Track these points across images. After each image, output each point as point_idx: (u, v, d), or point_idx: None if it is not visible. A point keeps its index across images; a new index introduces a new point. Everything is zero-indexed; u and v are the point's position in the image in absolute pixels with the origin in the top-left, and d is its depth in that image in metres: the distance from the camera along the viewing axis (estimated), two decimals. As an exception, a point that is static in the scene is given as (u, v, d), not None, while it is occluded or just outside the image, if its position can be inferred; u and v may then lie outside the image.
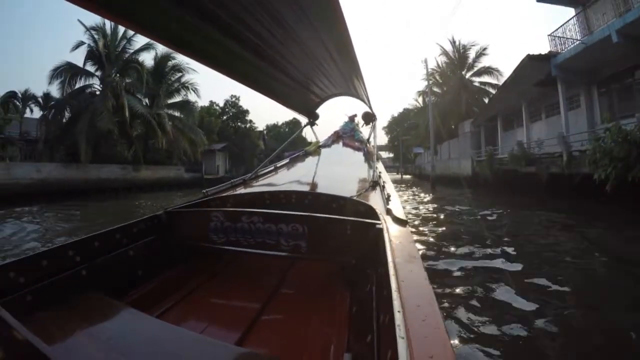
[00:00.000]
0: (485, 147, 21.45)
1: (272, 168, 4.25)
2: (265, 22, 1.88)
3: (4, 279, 1.56)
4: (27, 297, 1.60)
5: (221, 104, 41.05)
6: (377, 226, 1.79)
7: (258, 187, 3.40)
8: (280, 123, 53.14)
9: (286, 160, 4.56)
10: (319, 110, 4.64)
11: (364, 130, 5.32)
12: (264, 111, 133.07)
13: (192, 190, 25.66)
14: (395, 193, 2.76)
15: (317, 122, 4.75)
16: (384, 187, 2.92)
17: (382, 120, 65.93)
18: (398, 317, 0.92)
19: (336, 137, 5.29)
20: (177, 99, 29.36)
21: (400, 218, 1.99)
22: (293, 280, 2.32)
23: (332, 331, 1.65)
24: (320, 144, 5.05)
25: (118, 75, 24.11)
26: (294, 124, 50.90)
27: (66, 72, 22.49)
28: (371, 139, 4.84)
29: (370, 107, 4.64)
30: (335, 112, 6.14)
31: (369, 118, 5.01)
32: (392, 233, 1.72)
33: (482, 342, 2.92)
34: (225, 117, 39.53)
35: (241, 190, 3.23)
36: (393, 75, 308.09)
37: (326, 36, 2.18)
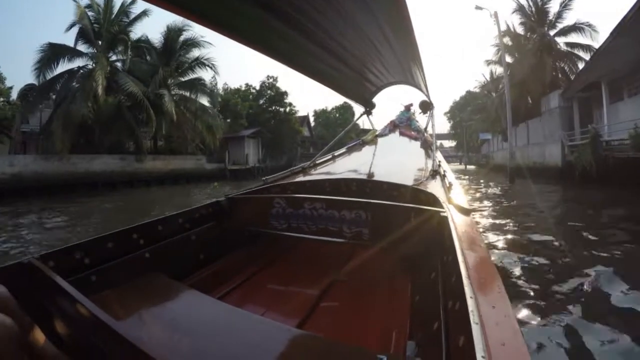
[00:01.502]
0: (586, 127, 14.32)
1: (330, 157, 4.24)
2: (319, 7, 1.79)
3: (70, 260, 1.63)
4: (92, 277, 1.68)
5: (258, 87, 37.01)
6: (442, 214, 1.79)
7: (317, 175, 3.43)
8: (329, 108, 47.96)
9: (344, 149, 4.56)
10: (375, 100, 4.36)
11: (421, 119, 5.26)
12: (307, 95, 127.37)
13: (211, 183, 22.21)
14: (457, 182, 2.74)
15: (373, 111, 4.49)
16: (444, 176, 2.87)
17: (444, 106, 58.43)
18: (471, 303, 0.91)
19: (393, 127, 5.18)
20: (191, 77, 25.20)
21: (464, 207, 1.96)
22: (352, 267, 2.24)
23: (392, 318, 1.64)
24: (377, 133, 4.98)
25: (113, 52, 20.62)
26: (344, 109, 45.46)
27: (48, 54, 19.14)
28: (429, 128, 4.75)
29: (427, 96, 4.26)
30: (389, 101, 6.02)
31: (426, 107, 4.66)
32: (457, 221, 1.69)
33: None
34: (262, 101, 35.17)
35: (300, 178, 3.27)
36: (453, 55, 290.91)
37: (384, 19, 2.02)
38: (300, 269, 2.31)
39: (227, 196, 2.60)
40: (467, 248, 1.33)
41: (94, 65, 19.56)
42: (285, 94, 35.30)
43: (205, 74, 26.68)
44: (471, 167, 42.84)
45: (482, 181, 19.96)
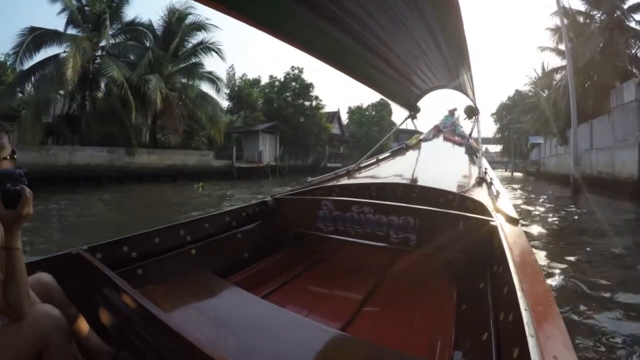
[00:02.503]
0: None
1: (374, 160, 4.24)
2: (368, 7, 1.73)
3: (118, 253, 1.69)
4: (138, 271, 1.73)
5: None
6: (491, 223, 1.76)
7: (362, 178, 3.45)
8: (365, 105, 43.62)
9: (388, 153, 4.58)
10: (419, 104, 4.36)
11: (465, 125, 5.08)
12: (339, 91, 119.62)
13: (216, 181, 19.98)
14: (505, 190, 2.64)
15: (417, 115, 4.51)
16: (491, 183, 2.79)
17: (490, 107, 52.42)
18: (525, 316, 0.89)
19: (437, 131, 5.07)
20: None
21: (512, 216, 1.88)
22: (397, 272, 2.26)
23: (437, 327, 1.61)
24: (421, 137, 4.93)
25: (100, 35, 18.37)
26: (381, 107, 41.20)
27: (28, 38, 17.06)
28: (474, 134, 4.65)
29: (473, 101, 4.27)
30: (431, 105, 5.74)
31: (472, 112, 4.60)
32: (506, 231, 1.66)
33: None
34: (287, 94, 31.85)
35: (345, 181, 3.31)
36: (500, 50, 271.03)
37: (434, 20, 1.93)
38: (344, 272, 2.31)
39: (273, 196, 2.65)
40: (518, 259, 1.29)
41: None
42: (310, 86, 32.00)
43: (217, 63, 24.45)
44: (518, 174, 37.89)
45: (531, 192, 16.28)
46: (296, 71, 32.13)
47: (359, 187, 2.98)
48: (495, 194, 2.42)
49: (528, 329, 0.83)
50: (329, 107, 34.75)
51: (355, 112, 41.93)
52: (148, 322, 1.06)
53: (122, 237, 1.75)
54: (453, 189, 2.76)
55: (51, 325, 1.11)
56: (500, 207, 2.06)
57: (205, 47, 21.84)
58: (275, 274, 2.21)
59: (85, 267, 1.48)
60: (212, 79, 22.66)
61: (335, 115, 36.97)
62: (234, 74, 34.42)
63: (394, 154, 4.52)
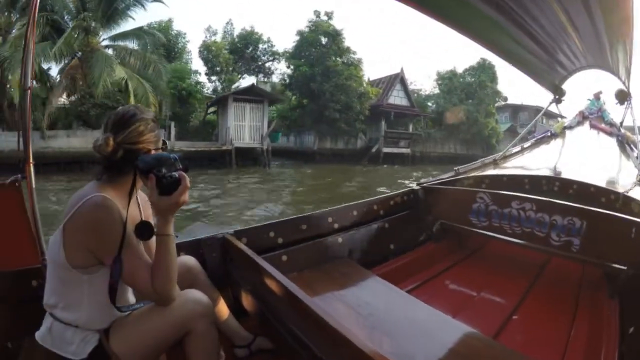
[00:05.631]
0: None
1: (519, 149, 4.00)
2: None
3: (263, 238, 1.71)
4: (282, 257, 1.74)
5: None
6: None
7: (510, 169, 3.25)
8: (460, 70, 29.05)
9: (532, 141, 4.28)
10: (564, 86, 3.80)
11: (615, 111, 4.34)
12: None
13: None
14: None
15: (563, 98, 3.95)
16: None
17: None
18: None
19: (582, 118, 4.56)
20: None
21: None
22: (549, 279, 2.07)
23: (597, 347, 1.44)
24: (565, 124, 4.50)
25: None
26: (482, 69, 27.16)
27: None
28: (627, 122, 4.03)
29: (626, 83, 3.48)
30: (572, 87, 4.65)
31: (624, 96, 3.89)
32: None
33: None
34: (312, 51, 22.25)
35: (490, 171, 3.13)
36: None
37: None
38: (494, 272, 2.14)
39: (422, 185, 2.54)
40: None
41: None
42: (339, 35, 22.17)
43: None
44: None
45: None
46: (324, 17, 22.85)
47: (510, 179, 2.78)
48: None
49: None
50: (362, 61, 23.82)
51: (444, 78, 28.86)
52: (294, 309, 1.06)
53: (269, 222, 1.76)
54: (610, 186, 2.50)
55: (198, 312, 1.13)
56: None
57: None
58: (421, 268, 2.11)
59: (230, 250, 1.53)
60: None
61: (396, 79, 25.46)
62: (232, 31, 26.96)
63: (539, 143, 4.12)
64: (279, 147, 23.69)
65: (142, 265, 1.06)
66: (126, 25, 17.40)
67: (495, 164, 3.44)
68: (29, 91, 1.32)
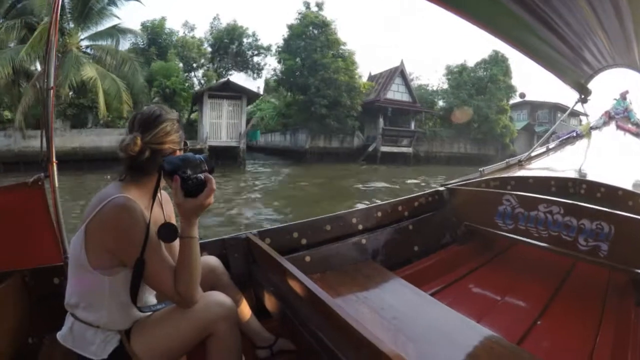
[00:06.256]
0: None
1: (545, 149, 3.97)
2: None
3: (287, 238, 1.72)
4: (306, 258, 1.73)
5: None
6: None
7: (535, 170, 3.23)
8: (470, 63, 26.48)
9: (557, 142, 4.24)
10: (590, 86, 3.65)
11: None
12: None
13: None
14: None
15: (589, 98, 3.78)
16: None
17: None
18: None
19: (608, 119, 4.54)
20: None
21: None
22: (575, 284, 2.04)
23: (623, 357, 1.42)
24: (591, 125, 4.44)
25: None
26: (494, 62, 24.75)
27: None
28: None
29: None
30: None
31: None
32: None
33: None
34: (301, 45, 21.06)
35: (516, 172, 3.09)
36: None
37: None
38: (519, 276, 2.12)
39: (446, 186, 2.49)
40: None
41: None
42: (326, 25, 20.93)
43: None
44: None
45: None
46: (315, 8, 21.62)
47: (536, 181, 2.78)
48: None
49: None
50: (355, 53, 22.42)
51: (454, 73, 26.49)
52: (318, 311, 1.06)
53: (293, 223, 1.77)
54: (638, 189, 2.48)
55: (221, 315, 1.13)
56: None
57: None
58: (445, 271, 2.10)
59: (253, 251, 1.54)
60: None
61: (396, 73, 23.61)
62: (219, 26, 25.85)
63: (564, 143, 4.10)
64: (270, 146, 23.04)
65: (165, 267, 1.05)
66: (110, 24, 17.74)
67: (520, 165, 3.41)
68: (51, 91, 1.33)
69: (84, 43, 17.58)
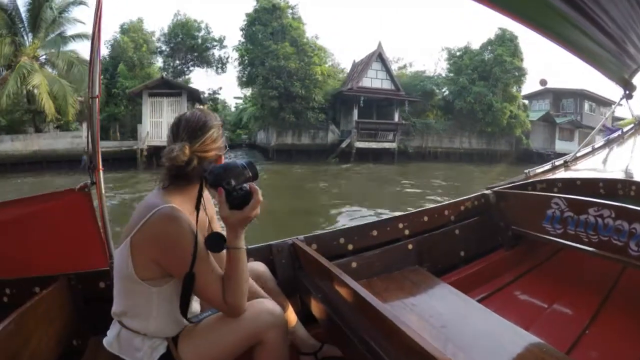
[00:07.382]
0: None
1: (590, 149, 3.70)
2: None
3: (333, 244, 1.70)
4: (352, 264, 1.72)
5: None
6: None
7: (582, 171, 3.16)
8: (475, 45, 21.87)
9: (603, 141, 3.92)
10: (635, 80, 3.39)
11: None
12: None
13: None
14: None
15: (634, 94, 3.53)
16: None
17: None
18: None
19: None
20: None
21: None
22: (624, 291, 1.95)
23: None
24: (637, 122, 3.99)
25: None
26: (500, 42, 20.06)
27: None
28: None
29: None
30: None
31: None
32: None
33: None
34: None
35: (561, 174, 3.01)
36: None
37: None
38: (567, 283, 2.06)
39: (493, 189, 2.44)
40: None
41: None
42: (277, 8, 18.98)
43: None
44: None
45: None
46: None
47: (584, 183, 2.62)
48: None
49: None
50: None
51: (455, 57, 21.85)
52: (367, 317, 1.04)
53: (340, 229, 1.77)
54: None
55: (271, 323, 1.10)
56: None
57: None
58: (491, 277, 2.07)
59: (300, 256, 1.52)
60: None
61: (372, 57, 20.09)
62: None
63: (611, 143, 3.79)
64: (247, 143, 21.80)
65: (214, 278, 1.04)
66: (74, 30, 18.52)
67: (566, 166, 3.32)
68: (97, 99, 1.35)
69: (40, 52, 18.45)
